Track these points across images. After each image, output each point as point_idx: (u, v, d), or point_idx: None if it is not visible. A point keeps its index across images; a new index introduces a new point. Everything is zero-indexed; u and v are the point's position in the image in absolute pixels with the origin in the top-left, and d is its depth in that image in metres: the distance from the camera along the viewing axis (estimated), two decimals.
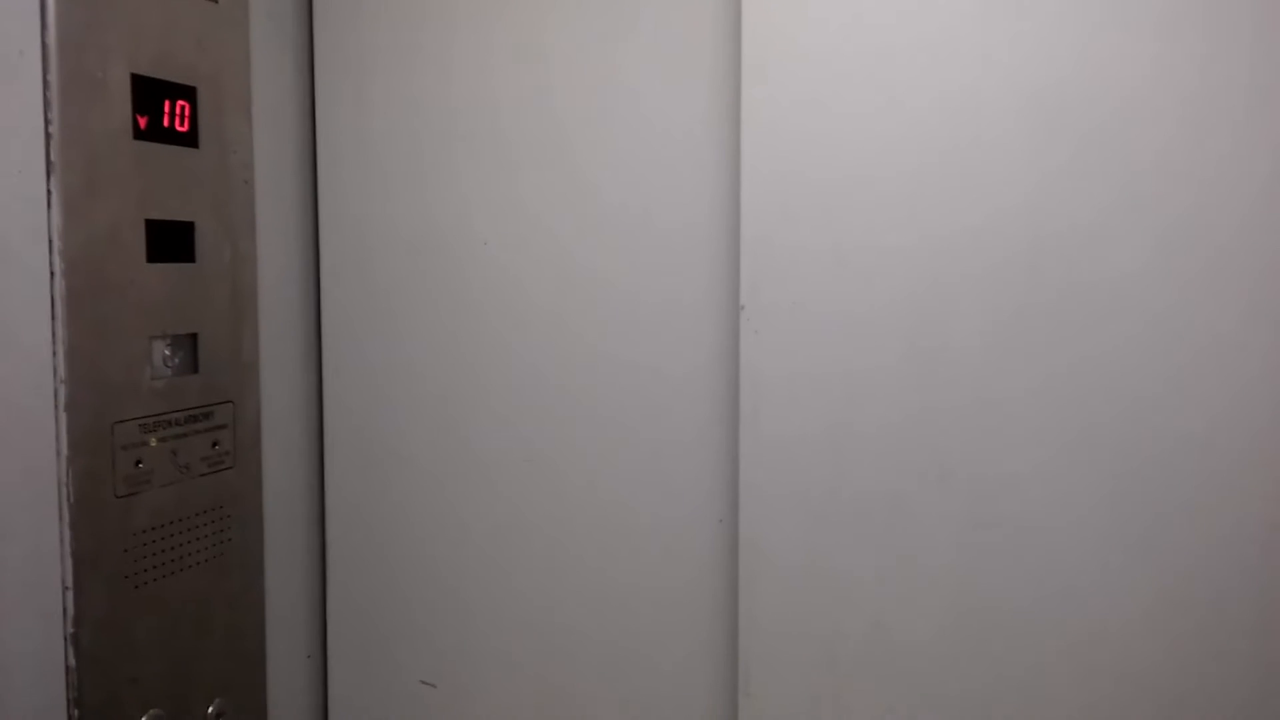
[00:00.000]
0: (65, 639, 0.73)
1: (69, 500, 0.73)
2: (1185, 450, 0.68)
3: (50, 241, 0.72)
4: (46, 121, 0.71)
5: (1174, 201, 0.67)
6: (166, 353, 0.81)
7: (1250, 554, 0.67)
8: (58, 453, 0.72)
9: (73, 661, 0.74)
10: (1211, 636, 0.68)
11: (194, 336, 0.82)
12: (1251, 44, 0.65)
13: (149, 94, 0.78)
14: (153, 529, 0.79)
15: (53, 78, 0.71)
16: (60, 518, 0.73)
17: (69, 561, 0.73)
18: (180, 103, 0.80)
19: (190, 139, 0.81)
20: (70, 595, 0.73)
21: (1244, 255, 0.66)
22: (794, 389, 0.77)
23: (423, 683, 0.96)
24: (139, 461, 0.78)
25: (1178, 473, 0.68)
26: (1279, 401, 0.66)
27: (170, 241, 0.80)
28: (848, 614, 0.77)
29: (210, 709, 0.85)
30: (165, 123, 0.79)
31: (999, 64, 0.70)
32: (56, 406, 0.72)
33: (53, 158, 0.72)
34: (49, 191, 0.72)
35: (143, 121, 0.77)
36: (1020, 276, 0.71)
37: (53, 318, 0.72)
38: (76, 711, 0.74)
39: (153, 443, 0.79)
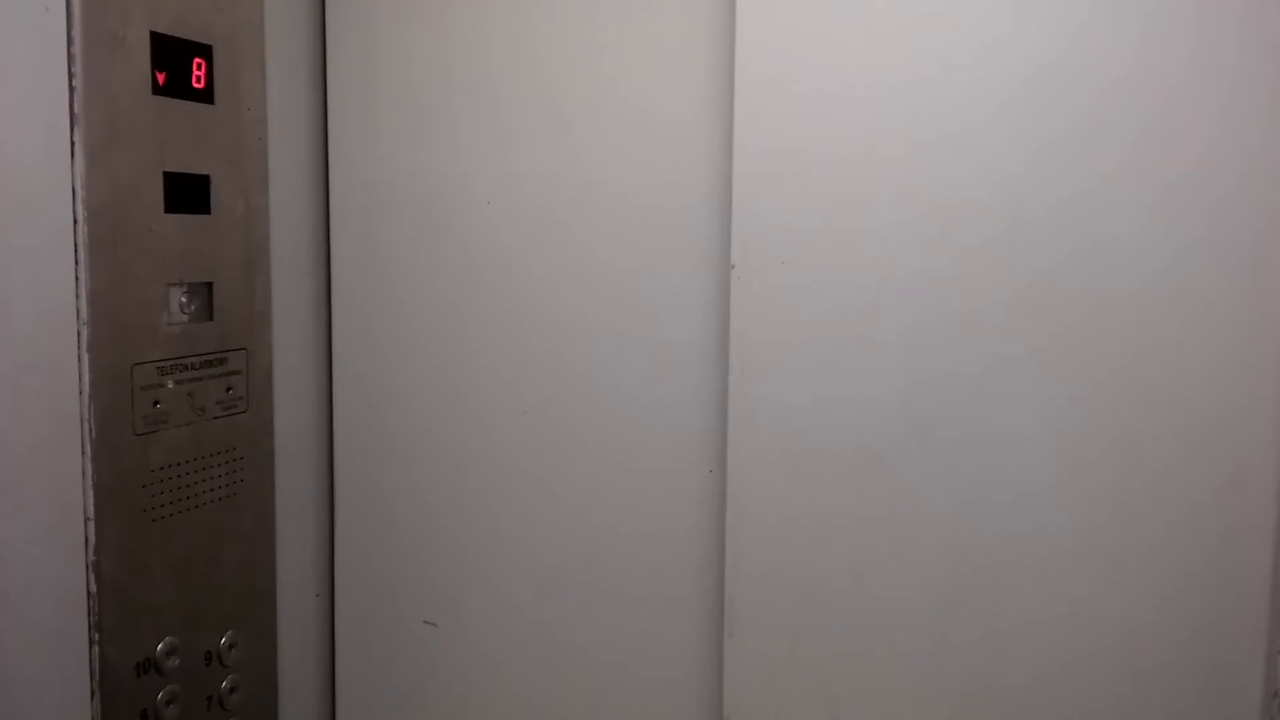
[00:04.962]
0: (87, 566, 0.78)
1: (91, 436, 0.77)
2: (1173, 415, 0.70)
3: (74, 190, 0.75)
4: (70, 75, 0.75)
5: (1165, 175, 0.69)
6: (183, 300, 0.84)
7: (1235, 520, 0.69)
8: (80, 391, 0.76)
9: (94, 588, 0.78)
10: (1190, 600, 0.71)
11: (209, 285, 0.86)
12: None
13: (168, 51, 0.81)
14: (169, 466, 0.83)
15: (76, 33, 0.75)
16: (83, 452, 0.77)
17: (90, 494, 0.77)
18: (197, 60, 0.83)
19: (207, 95, 0.85)
20: (92, 525, 0.77)
21: (1235, 225, 0.68)
22: (781, 348, 0.80)
23: (425, 622, 1.00)
24: (156, 402, 0.82)
25: (1165, 436, 0.70)
26: (1269, 368, 0.68)
27: (187, 193, 0.83)
28: (828, 564, 0.80)
29: (223, 640, 0.89)
30: (183, 79, 0.82)
31: (993, 40, 0.72)
32: (79, 347, 0.76)
33: (76, 110, 0.75)
34: (73, 143, 0.75)
35: (161, 78, 0.81)
36: (1007, 250, 0.73)
37: (75, 263, 0.76)
38: (97, 635, 0.78)
39: (170, 385, 0.83)
